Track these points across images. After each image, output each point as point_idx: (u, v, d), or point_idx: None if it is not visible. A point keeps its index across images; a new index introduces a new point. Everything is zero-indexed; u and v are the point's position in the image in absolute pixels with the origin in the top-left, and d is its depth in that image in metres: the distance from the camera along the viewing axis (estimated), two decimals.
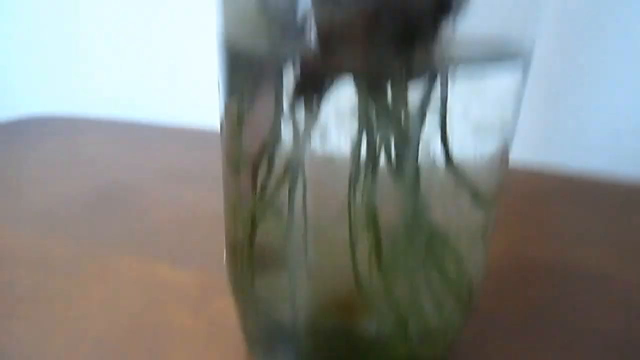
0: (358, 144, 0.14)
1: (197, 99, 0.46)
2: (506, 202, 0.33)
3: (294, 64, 0.13)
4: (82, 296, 0.24)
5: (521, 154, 0.38)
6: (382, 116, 0.13)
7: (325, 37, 0.12)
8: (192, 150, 0.43)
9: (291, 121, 0.15)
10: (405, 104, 0.12)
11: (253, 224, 0.17)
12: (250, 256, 0.17)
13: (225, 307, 0.24)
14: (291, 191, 0.15)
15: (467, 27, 0.12)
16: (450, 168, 0.13)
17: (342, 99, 0.13)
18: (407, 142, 0.12)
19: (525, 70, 0.14)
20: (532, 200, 0.35)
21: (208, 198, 0.35)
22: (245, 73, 0.15)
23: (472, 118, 0.14)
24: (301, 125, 0.14)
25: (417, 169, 0.12)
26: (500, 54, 0.13)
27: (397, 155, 0.13)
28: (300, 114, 0.14)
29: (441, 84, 0.13)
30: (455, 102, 0.13)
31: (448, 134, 0.13)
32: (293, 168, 0.15)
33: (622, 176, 0.38)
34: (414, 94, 0.13)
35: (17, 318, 0.23)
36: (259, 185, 0.16)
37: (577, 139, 0.39)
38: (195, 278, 0.26)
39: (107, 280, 0.26)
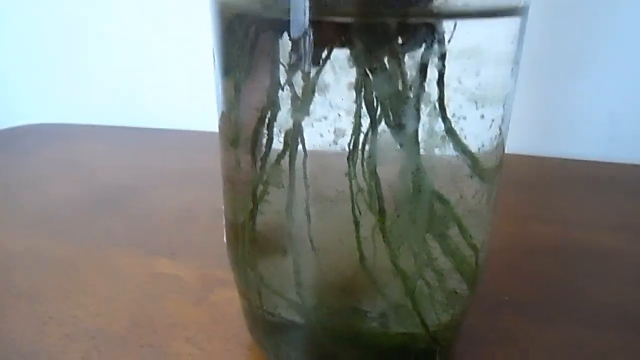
0: (357, 110, 0.14)
1: (190, 103, 0.46)
2: (508, 187, 0.33)
3: (289, 27, 0.13)
4: (80, 292, 0.24)
5: (520, 144, 0.38)
6: (378, 73, 0.12)
7: None
8: (188, 152, 0.43)
9: (289, 90, 0.14)
10: (400, 59, 0.12)
11: (254, 199, 0.16)
12: (252, 234, 0.17)
13: (226, 298, 0.23)
14: (291, 161, 0.15)
15: None
16: (447, 127, 0.13)
17: (340, 61, 0.13)
18: (405, 98, 0.12)
19: (522, 30, 0.14)
20: (534, 185, 0.35)
21: (205, 196, 0.34)
22: (241, 42, 0.15)
23: (471, 78, 0.14)
24: (299, 91, 0.14)
25: (416, 125, 0.12)
26: (496, 8, 0.13)
27: (394, 112, 0.12)
28: (298, 79, 0.14)
29: (438, 41, 0.13)
30: (452, 68, 0.13)
31: (446, 97, 0.13)
32: (292, 138, 0.15)
33: (620, 160, 0.38)
34: (412, 53, 0.13)
35: (14, 314, 0.22)
36: (258, 158, 0.16)
37: (573, 126, 0.40)
38: (194, 271, 0.25)
39: (105, 276, 0.25)
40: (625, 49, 0.37)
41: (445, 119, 0.12)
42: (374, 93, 0.13)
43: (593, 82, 0.38)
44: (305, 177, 0.15)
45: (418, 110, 0.12)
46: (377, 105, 0.13)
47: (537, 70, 0.38)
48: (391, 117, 0.12)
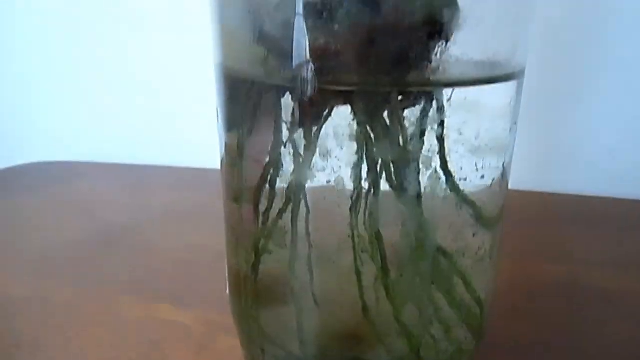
0: (358, 165, 0.14)
1: (193, 140, 0.47)
2: (509, 224, 0.33)
3: (292, 93, 0.14)
4: (81, 339, 0.24)
5: (519, 179, 0.38)
6: (380, 137, 0.13)
7: (321, 62, 0.12)
8: (191, 190, 0.43)
9: (291, 147, 0.15)
10: (401, 124, 0.13)
11: (257, 254, 0.16)
12: (254, 287, 0.17)
13: (229, 347, 0.23)
14: (294, 218, 0.15)
15: (459, 50, 0.12)
16: (450, 186, 0.13)
17: (341, 123, 0.14)
18: (406, 162, 0.12)
19: (519, 91, 0.15)
20: (535, 221, 0.35)
21: (208, 237, 0.34)
22: (244, 103, 0.15)
23: (470, 139, 0.14)
24: (301, 151, 0.14)
25: (418, 187, 0.13)
26: (493, 75, 0.13)
27: (397, 174, 0.13)
28: (300, 140, 0.14)
29: (437, 106, 0.13)
30: (452, 124, 0.13)
31: (447, 156, 0.14)
32: (295, 194, 0.15)
33: (619, 194, 0.38)
34: (412, 116, 0.13)
35: None
36: (261, 214, 0.16)
37: (572, 161, 0.40)
38: (196, 318, 0.25)
39: (106, 322, 0.25)
40: (625, 84, 0.38)
41: (448, 178, 0.13)
42: (376, 157, 0.13)
43: (593, 118, 0.39)
44: (307, 234, 0.15)
45: (419, 172, 0.13)
46: (378, 165, 0.13)
47: (536, 106, 0.39)
48: (393, 179, 0.13)
